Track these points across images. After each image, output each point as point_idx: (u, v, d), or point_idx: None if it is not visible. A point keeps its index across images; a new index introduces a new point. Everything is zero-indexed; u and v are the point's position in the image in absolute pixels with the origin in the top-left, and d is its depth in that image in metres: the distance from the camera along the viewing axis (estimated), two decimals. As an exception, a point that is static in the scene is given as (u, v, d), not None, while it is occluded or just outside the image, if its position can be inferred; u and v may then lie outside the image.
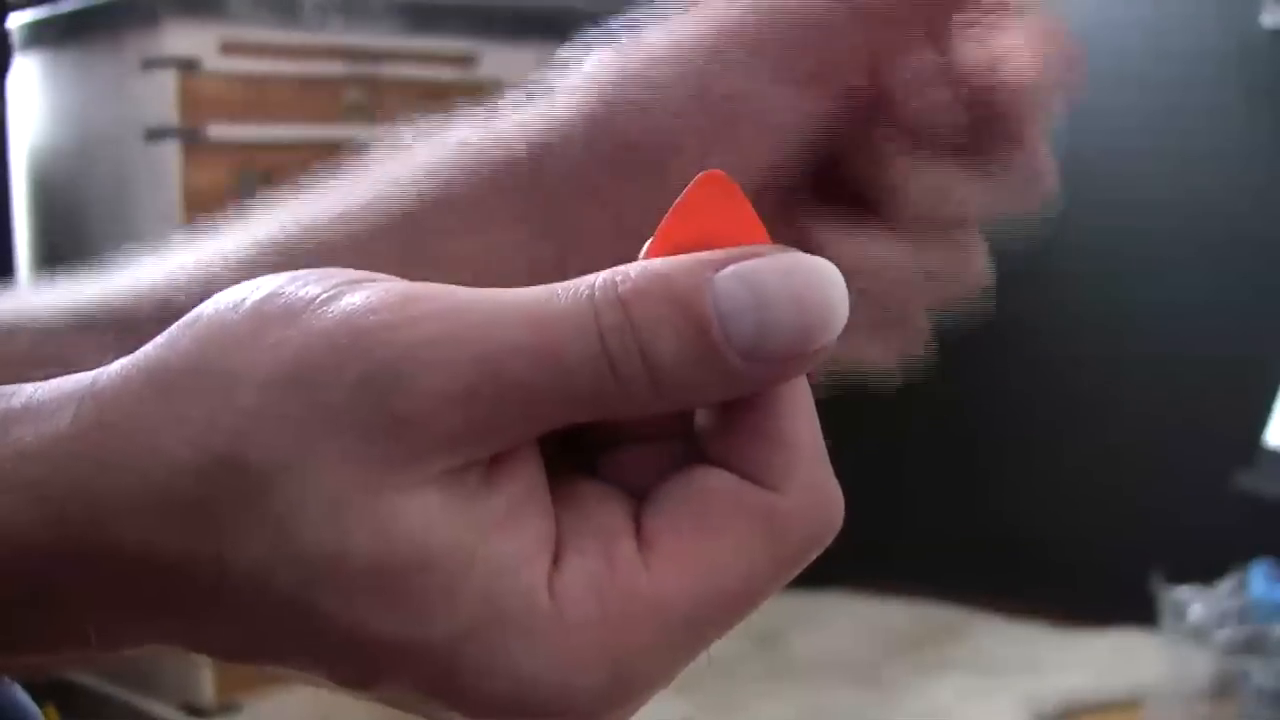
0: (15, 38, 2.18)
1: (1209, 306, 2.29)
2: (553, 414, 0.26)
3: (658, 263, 0.27)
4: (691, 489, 0.27)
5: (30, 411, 0.27)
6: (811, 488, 0.27)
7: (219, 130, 2.04)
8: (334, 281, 0.27)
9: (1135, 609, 1.97)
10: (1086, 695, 2.04)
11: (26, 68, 2.22)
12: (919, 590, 2.46)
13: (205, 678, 1.99)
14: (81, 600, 0.27)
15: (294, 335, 0.26)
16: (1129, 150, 2.38)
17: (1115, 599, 2.11)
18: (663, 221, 0.28)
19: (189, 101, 2.01)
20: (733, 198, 0.28)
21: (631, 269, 0.27)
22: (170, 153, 2.00)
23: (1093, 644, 2.21)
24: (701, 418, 0.29)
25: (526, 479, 0.27)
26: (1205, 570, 1.88)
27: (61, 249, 2.23)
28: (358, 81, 2.20)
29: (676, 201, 0.28)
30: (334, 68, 2.18)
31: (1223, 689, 1.78)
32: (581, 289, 0.26)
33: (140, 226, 2.06)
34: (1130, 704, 1.97)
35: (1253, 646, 1.76)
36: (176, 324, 0.27)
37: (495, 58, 2.38)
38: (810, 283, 0.27)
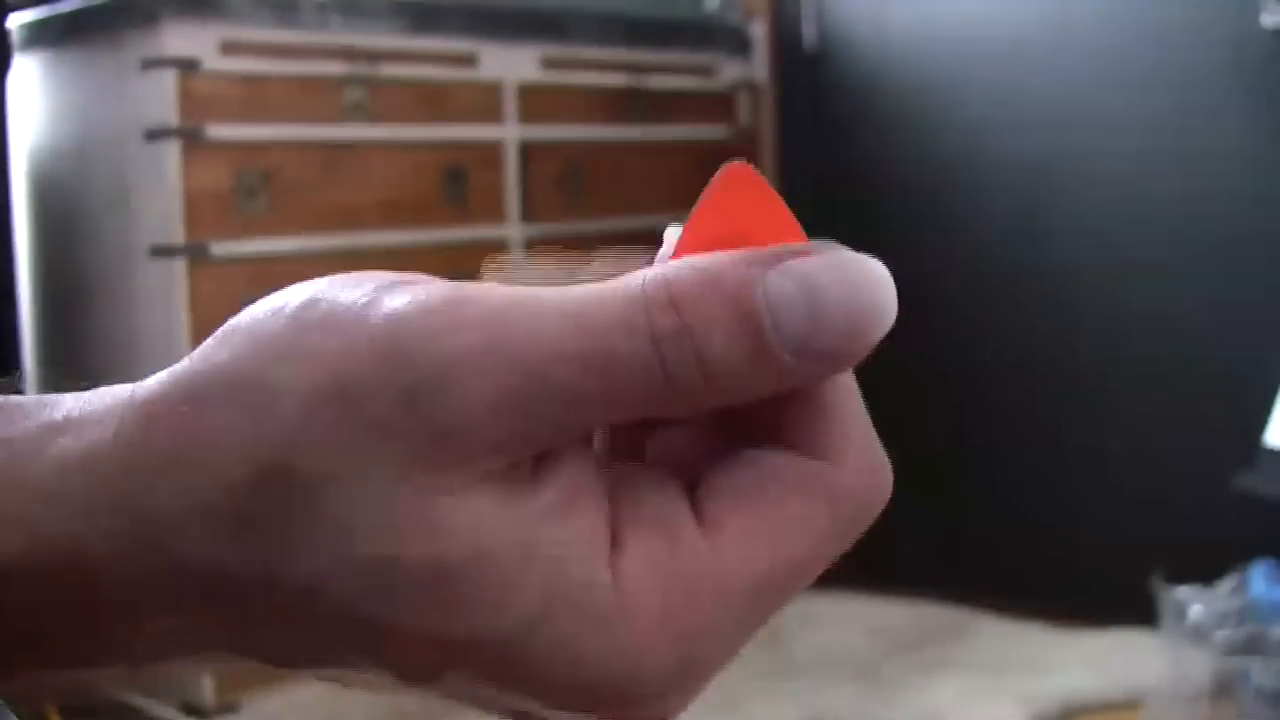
0: (15, 38, 2.18)
1: (1209, 306, 2.29)
2: (601, 417, 0.26)
3: (706, 262, 0.26)
4: (746, 466, 0.28)
5: (72, 423, 0.27)
6: (864, 456, 0.28)
7: (219, 130, 2.04)
8: (373, 285, 0.26)
9: (1135, 609, 1.96)
10: (1086, 695, 2.04)
11: (26, 68, 2.21)
12: (919, 590, 2.46)
13: (204, 678, 1.99)
14: (129, 613, 0.26)
15: (334, 343, 0.25)
16: (1129, 150, 2.37)
17: (1115, 599, 2.11)
18: (691, 217, 0.28)
19: (189, 101, 2.01)
20: (761, 190, 0.28)
21: (680, 268, 0.26)
22: (170, 153, 2.00)
23: (1093, 644, 2.21)
24: None
25: (576, 469, 0.27)
26: (1205, 570, 1.88)
27: (61, 249, 2.23)
28: (358, 81, 2.20)
29: (703, 196, 0.28)
30: (334, 68, 2.18)
31: (1223, 689, 1.78)
32: (631, 290, 0.26)
33: (140, 226, 2.06)
34: (1130, 704, 1.97)
35: (1253, 646, 1.76)
36: (212, 337, 0.27)
37: (495, 58, 2.38)
38: (861, 281, 0.26)
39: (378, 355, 0.25)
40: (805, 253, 0.27)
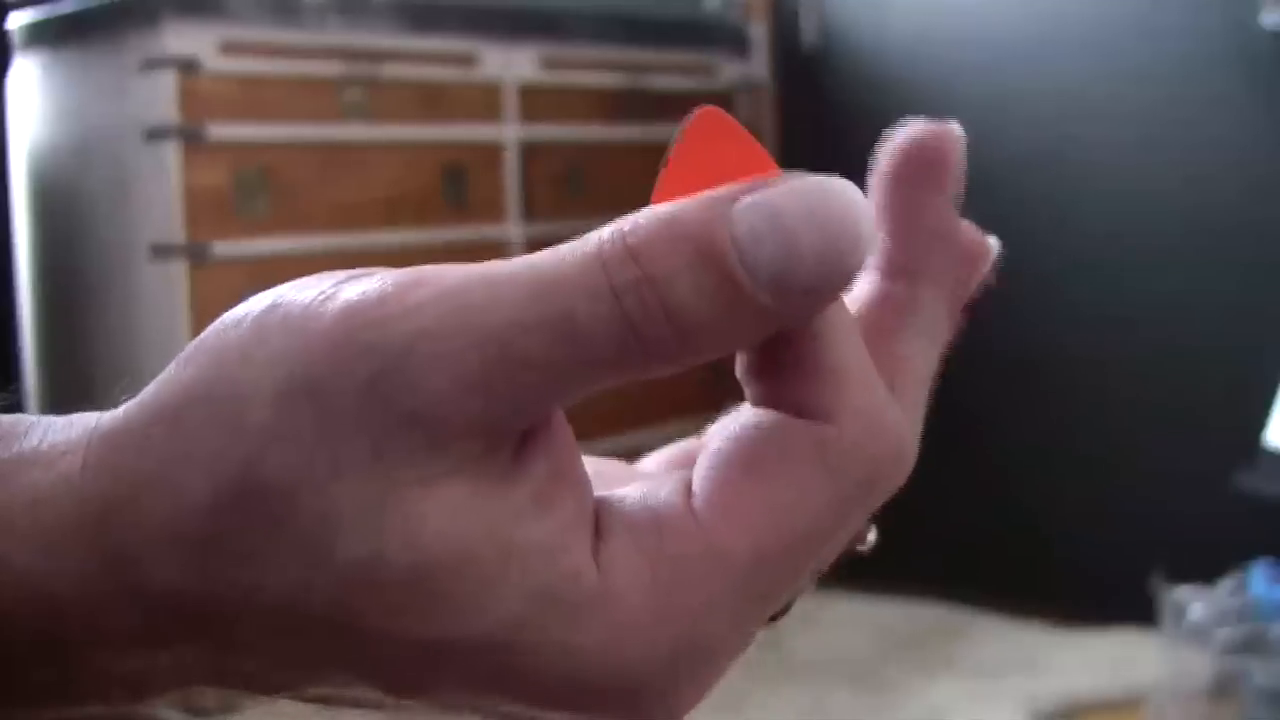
0: (15, 38, 2.18)
1: (1209, 305, 2.29)
2: (574, 385, 0.25)
3: (665, 206, 0.25)
4: (734, 433, 0.26)
5: (44, 454, 0.26)
6: (864, 413, 0.26)
7: (219, 130, 2.04)
8: (331, 282, 0.26)
9: (1135, 609, 1.96)
10: (1086, 695, 2.04)
11: (26, 68, 2.22)
12: (919, 590, 2.46)
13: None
14: (101, 651, 0.26)
15: (294, 343, 0.25)
16: (1129, 150, 2.38)
17: (1115, 599, 2.11)
18: (664, 168, 0.26)
19: (189, 101, 2.01)
20: (734, 132, 0.26)
21: (639, 217, 0.25)
22: (170, 153, 2.00)
23: (1093, 644, 2.21)
24: (739, 357, 0.27)
25: (557, 453, 0.26)
26: (1205, 570, 1.88)
27: (61, 249, 2.23)
28: (358, 81, 2.20)
29: (674, 143, 0.26)
30: (334, 68, 2.18)
31: (1223, 689, 1.78)
32: (587, 247, 0.25)
33: (140, 226, 2.06)
34: (1130, 704, 1.97)
35: (1253, 646, 1.76)
36: (175, 360, 0.26)
37: (495, 58, 2.38)
38: (831, 202, 0.25)
39: (338, 348, 0.24)
40: (768, 183, 0.25)
